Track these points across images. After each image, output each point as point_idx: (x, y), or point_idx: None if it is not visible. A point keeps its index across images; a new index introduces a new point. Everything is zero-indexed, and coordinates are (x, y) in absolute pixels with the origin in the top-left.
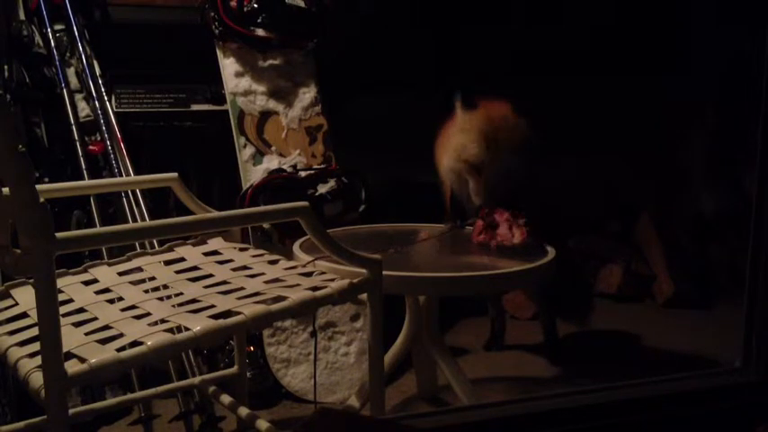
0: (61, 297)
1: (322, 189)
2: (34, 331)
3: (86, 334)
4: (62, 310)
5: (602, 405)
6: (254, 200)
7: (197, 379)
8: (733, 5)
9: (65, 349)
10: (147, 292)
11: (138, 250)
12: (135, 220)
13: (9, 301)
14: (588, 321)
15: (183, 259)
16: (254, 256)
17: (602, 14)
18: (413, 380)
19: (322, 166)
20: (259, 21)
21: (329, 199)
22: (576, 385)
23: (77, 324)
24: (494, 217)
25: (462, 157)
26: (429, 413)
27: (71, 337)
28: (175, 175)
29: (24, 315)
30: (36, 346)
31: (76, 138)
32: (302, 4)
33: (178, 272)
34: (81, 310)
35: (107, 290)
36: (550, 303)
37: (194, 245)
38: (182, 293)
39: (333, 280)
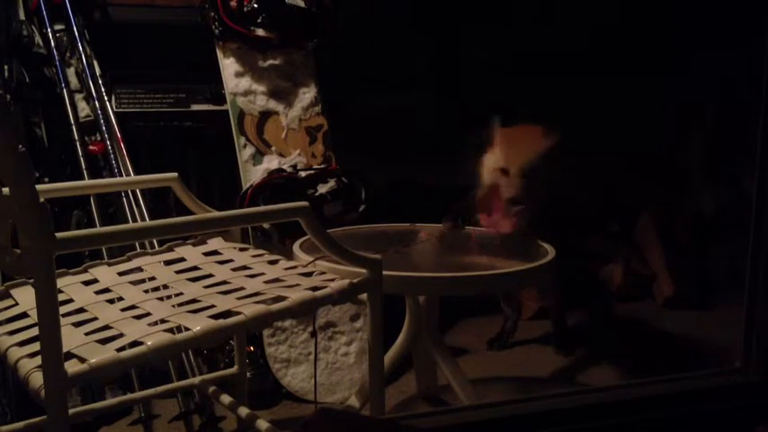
0: (61, 297)
1: (322, 189)
2: (34, 331)
3: (86, 334)
4: (62, 310)
5: (601, 405)
6: (254, 200)
7: (197, 379)
8: (733, 5)
9: (65, 349)
10: (147, 292)
11: (138, 250)
12: (135, 220)
13: (9, 301)
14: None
15: (182, 259)
16: (254, 256)
17: (602, 14)
18: (413, 380)
19: (322, 166)
20: (259, 21)
21: (329, 199)
22: (575, 385)
23: (77, 324)
24: (491, 203)
25: (495, 167)
26: (429, 413)
27: (71, 337)
28: (175, 174)
29: (24, 315)
30: (36, 346)
31: (76, 138)
32: (302, 4)
33: (178, 272)
34: (81, 310)
35: (107, 290)
36: (562, 297)
37: (194, 245)
38: (182, 293)
39: (333, 280)
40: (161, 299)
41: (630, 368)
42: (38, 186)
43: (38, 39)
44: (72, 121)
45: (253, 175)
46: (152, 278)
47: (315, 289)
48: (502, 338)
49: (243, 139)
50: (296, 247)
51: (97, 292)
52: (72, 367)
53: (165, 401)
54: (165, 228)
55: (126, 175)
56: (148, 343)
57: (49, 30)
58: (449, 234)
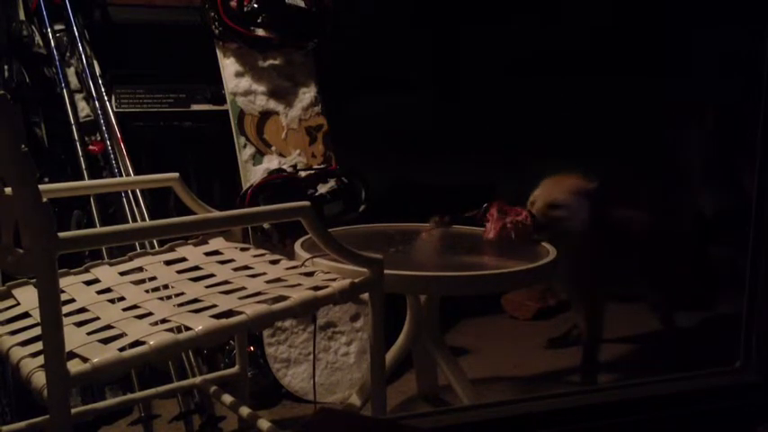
0: (63, 297)
1: (322, 189)
2: (36, 331)
3: (88, 334)
4: (64, 309)
5: (601, 405)
6: (254, 200)
7: (198, 379)
8: (733, 5)
9: (67, 349)
10: (148, 291)
11: (139, 250)
12: (135, 220)
13: (11, 301)
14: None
15: (184, 259)
16: (255, 256)
17: (602, 15)
18: (413, 380)
19: (322, 166)
20: (259, 21)
21: (329, 199)
22: (575, 385)
23: (79, 324)
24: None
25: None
26: (429, 413)
27: (73, 337)
28: (176, 174)
29: (26, 315)
30: (38, 346)
31: (76, 138)
32: (302, 4)
33: (179, 272)
34: (83, 310)
35: (108, 290)
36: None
37: (195, 245)
38: (183, 293)
39: (334, 279)
40: (162, 299)
41: (630, 368)
42: (38, 186)
43: (38, 39)
44: (72, 121)
45: (253, 175)
46: (153, 278)
47: (316, 288)
48: (563, 339)
49: (243, 139)
50: (297, 245)
51: (99, 292)
52: (74, 367)
53: (165, 401)
54: (167, 228)
55: (126, 175)
56: (150, 343)
57: (48, 30)
58: (434, 231)
